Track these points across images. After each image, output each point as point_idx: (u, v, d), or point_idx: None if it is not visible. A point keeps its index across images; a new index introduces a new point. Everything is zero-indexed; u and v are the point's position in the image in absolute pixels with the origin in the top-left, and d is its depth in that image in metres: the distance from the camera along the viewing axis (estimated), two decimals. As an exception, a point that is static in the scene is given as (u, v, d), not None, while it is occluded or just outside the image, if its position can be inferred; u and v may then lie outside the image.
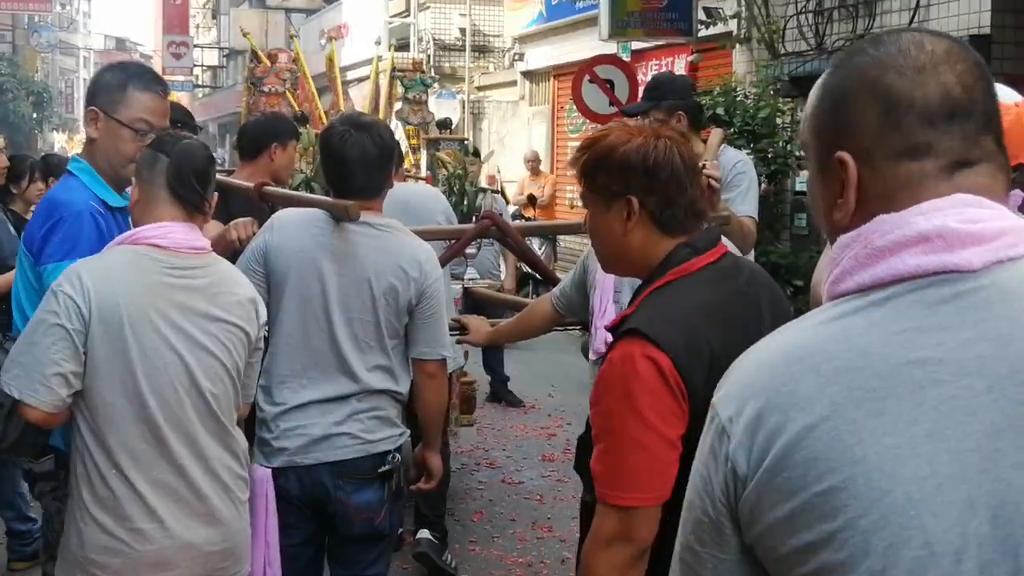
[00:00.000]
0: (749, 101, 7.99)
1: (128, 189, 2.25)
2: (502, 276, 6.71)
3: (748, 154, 5.49)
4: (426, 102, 6.03)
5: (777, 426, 0.87)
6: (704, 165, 2.88)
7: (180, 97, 29.15)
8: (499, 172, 9.01)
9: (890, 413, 0.83)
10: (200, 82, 31.88)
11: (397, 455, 2.62)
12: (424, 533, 3.99)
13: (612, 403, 1.55)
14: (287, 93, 6.41)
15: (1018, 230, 0.89)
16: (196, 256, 2.12)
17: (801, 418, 0.86)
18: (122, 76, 2.31)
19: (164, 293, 2.05)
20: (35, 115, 23.10)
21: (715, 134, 3.38)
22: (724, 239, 2.47)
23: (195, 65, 29.64)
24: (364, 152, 2.58)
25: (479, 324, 3.13)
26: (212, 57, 32.50)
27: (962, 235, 0.88)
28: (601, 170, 1.72)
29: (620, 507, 1.52)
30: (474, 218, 5.18)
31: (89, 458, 2.02)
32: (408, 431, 2.71)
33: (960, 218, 0.89)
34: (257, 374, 2.40)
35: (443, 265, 3.48)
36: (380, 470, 2.57)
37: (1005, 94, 2.28)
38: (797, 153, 8.27)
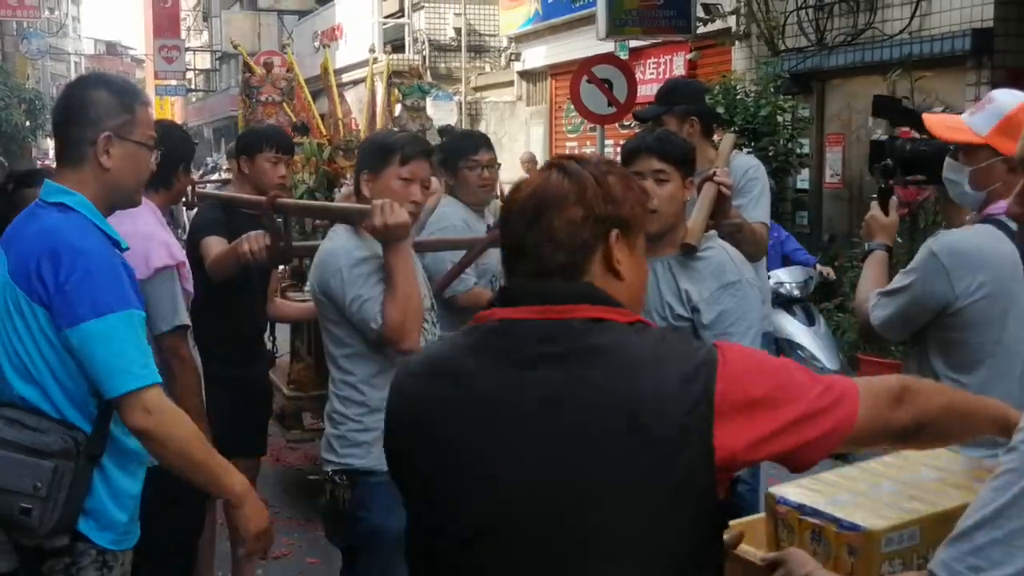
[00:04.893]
0: (750, 99, 7.95)
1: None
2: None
3: (748, 152, 5.47)
4: (424, 109, 5.98)
5: None
6: (716, 172, 2.87)
7: (174, 101, 29.12)
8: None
9: None
10: (193, 86, 31.78)
11: None
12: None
13: None
14: (283, 103, 6.35)
15: None
16: None
17: None
18: (123, 95, 2.16)
19: None
20: (28, 123, 22.80)
21: (727, 139, 3.35)
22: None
23: (187, 69, 29.51)
24: None
25: None
26: (204, 60, 32.40)
27: None
28: None
29: None
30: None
31: None
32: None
33: None
34: None
35: (456, 276, 3.47)
36: None
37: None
38: (798, 151, 8.23)
